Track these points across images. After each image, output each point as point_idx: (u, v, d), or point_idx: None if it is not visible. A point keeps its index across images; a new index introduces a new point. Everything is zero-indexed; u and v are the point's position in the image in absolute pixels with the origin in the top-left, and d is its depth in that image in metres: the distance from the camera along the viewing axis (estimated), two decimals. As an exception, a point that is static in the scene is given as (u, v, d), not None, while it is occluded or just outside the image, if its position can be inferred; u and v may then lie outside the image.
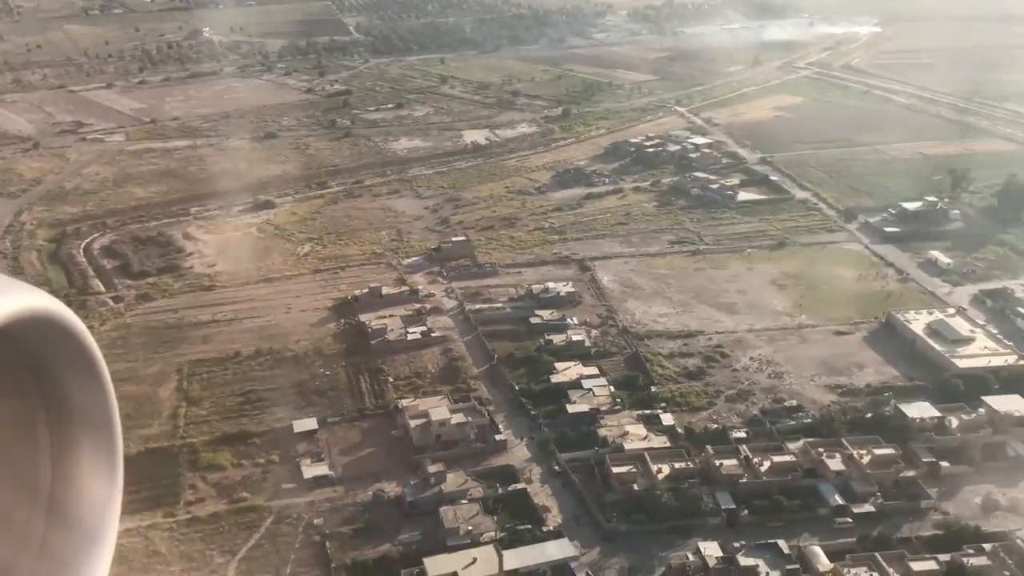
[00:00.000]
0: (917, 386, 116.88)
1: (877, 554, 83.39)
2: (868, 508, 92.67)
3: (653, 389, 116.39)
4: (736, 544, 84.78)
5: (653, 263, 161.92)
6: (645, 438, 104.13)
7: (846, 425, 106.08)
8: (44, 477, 6.21)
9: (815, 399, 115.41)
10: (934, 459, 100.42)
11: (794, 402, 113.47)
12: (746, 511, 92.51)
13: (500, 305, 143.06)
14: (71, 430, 6.22)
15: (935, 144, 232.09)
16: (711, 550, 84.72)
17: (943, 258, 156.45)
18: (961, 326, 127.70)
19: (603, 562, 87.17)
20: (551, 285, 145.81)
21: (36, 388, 6.06)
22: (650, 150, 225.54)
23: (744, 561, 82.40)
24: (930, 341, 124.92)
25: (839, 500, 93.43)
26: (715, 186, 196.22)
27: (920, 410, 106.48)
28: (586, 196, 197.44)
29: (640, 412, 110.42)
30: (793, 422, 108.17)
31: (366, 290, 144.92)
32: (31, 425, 6.16)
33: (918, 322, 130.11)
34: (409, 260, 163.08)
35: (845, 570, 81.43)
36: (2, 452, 6.09)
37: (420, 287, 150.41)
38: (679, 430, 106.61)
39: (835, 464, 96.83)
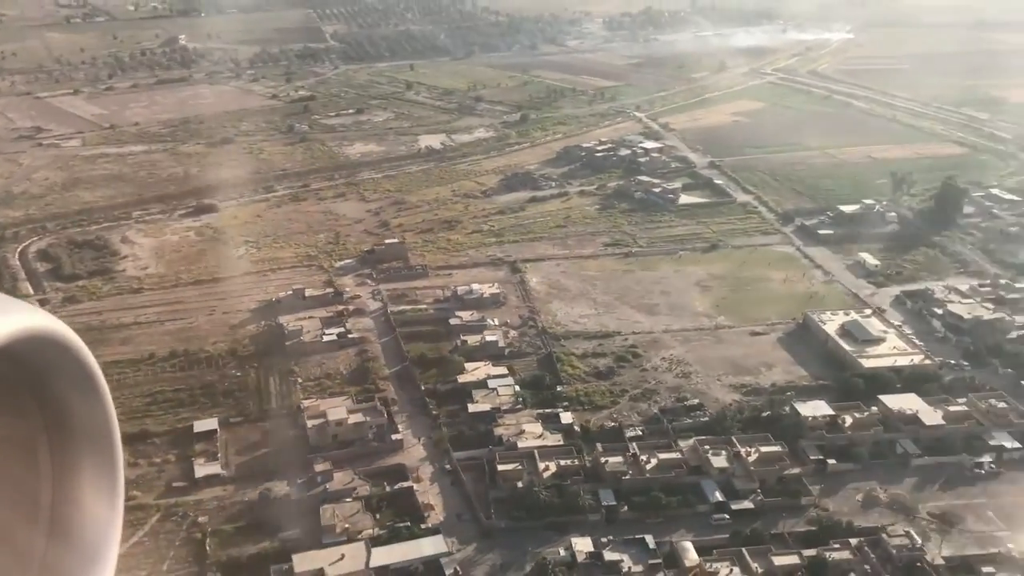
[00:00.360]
0: (821, 385, 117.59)
1: (744, 549, 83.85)
2: (747, 505, 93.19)
3: (559, 389, 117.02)
4: (604, 539, 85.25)
5: (584, 265, 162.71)
6: (540, 436, 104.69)
7: (740, 424, 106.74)
8: (45, 496, 6.18)
9: (718, 398, 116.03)
10: (822, 457, 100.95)
11: (696, 401, 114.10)
12: (626, 507, 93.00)
13: (424, 307, 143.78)
14: (72, 449, 6.19)
15: (885, 148, 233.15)
16: (582, 545, 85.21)
17: (871, 260, 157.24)
18: (873, 327, 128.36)
19: (477, 558, 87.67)
20: (475, 287, 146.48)
21: (37, 407, 6.05)
22: (600, 155, 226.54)
23: (610, 556, 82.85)
24: (840, 341, 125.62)
25: (719, 497, 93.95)
26: (657, 190, 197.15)
27: (814, 409, 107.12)
28: (530, 200, 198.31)
29: (541, 411, 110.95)
30: (690, 420, 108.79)
31: (289, 292, 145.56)
32: (32, 444, 6.12)
33: (832, 323, 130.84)
34: (342, 263, 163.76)
35: (709, 565, 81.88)
36: (3, 471, 6.06)
37: (347, 289, 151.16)
38: (576, 428, 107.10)
39: (719, 461, 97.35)
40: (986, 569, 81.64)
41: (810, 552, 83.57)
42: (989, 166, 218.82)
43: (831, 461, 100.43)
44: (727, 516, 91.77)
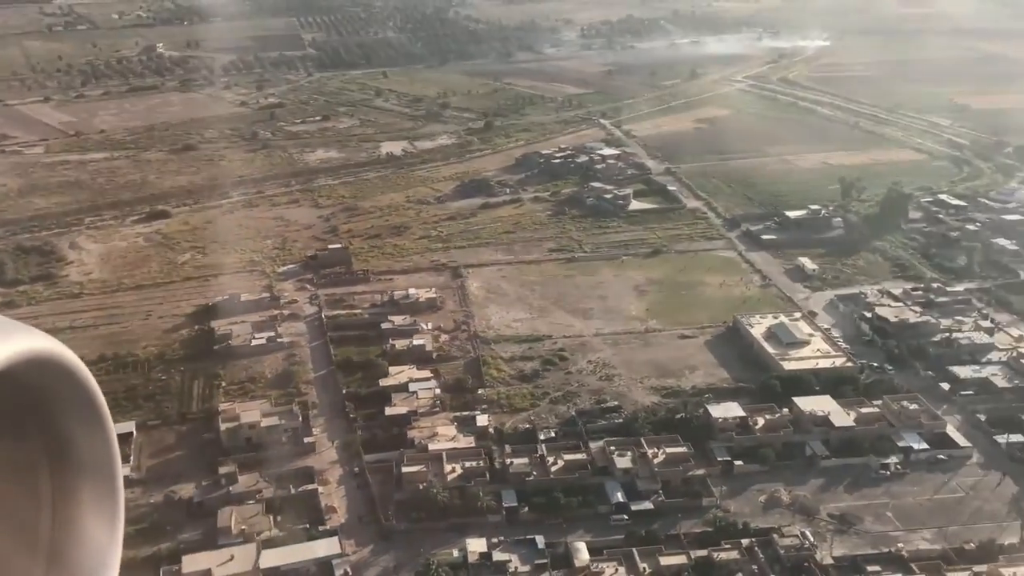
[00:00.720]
0: (741, 388, 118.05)
1: (634, 549, 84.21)
2: (647, 505, 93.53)
3: (480, 392, 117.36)
4: (494, 540, 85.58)
5: (526, 270, 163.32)
6: (453, 439, 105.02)
7: (652, 425, 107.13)
8: (44, 522, 6.09)
9: (637, 400, 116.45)
10: (729, 458, 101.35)
11: (615, 403, 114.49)
12: (527, 508, 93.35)
13: (359, 311, 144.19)
14: (72, 475, 6.11)
15: (843, 154, 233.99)
16: (475, 547, 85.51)
17: (809, 264, 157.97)
18: (799, 330, 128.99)
19: (372, 560, 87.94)
20: (412, 291, 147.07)
21: (37, 432, 5.96)
22: (557, 161, 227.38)
23: (499, 557, 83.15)
24: (765, 344, 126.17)
25: (620, 498, 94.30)
26: (608, 196, 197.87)
27: (725, 410, 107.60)
28: (483, 205, 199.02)
29: (458, 414, 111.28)
30: (604, 422, 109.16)
31: (225, 296, 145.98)
32: (32, 470, 6.04)
33: (760, 326, 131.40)
34: (284, 268, 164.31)
35: (594, 565, 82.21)
36: (2, 497, 5.97)
37: (285, 294, 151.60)
38: (491, 431, 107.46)
39: (623, 462, 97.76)
40: (871, 568, 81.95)
41: (700, 553, 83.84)
42: (943, 172, 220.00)
43: (738, 462, 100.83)
44: (626, 517, 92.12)
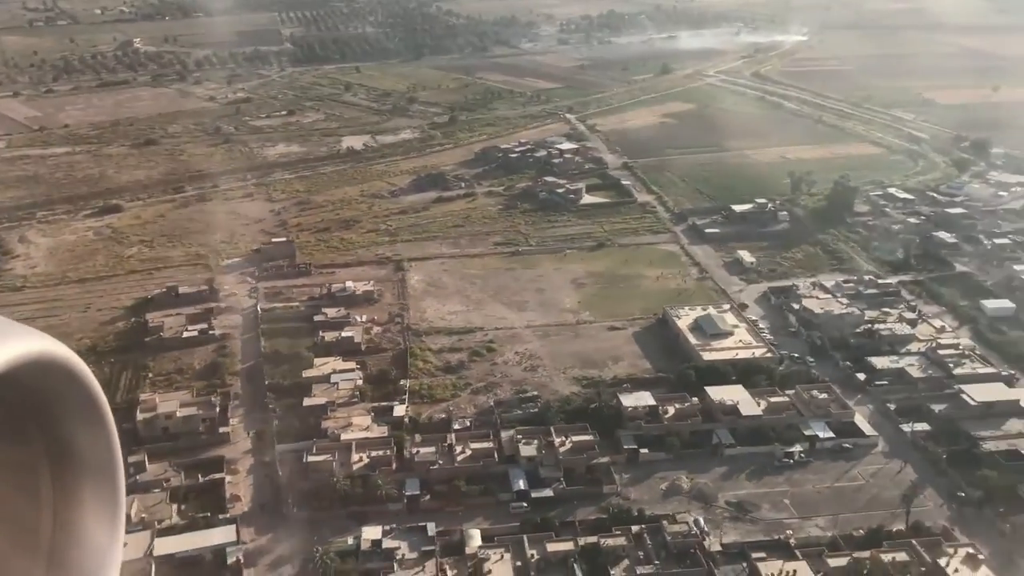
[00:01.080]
0: (660, 378, 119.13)
1: (525, 536, 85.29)
2: (547, 493, 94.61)
3: (402, 383, 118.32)
4: (386, 528, 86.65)
5: (469, 263, 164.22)
6: (366, 428, 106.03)
7: (564, 415, 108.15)
8: (45, 524, 6.08)
9: (557, 390, 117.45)
10: (636, 446, 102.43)
11: (534, 393, 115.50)
12: (428, 496, 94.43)
13: (296, 304, 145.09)
14: (74, 476, 6.10)
15: (802, 148, 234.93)
16: (369, 534, 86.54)
17: (747, 257, 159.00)
18: (724, 322, 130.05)
19: (268, 547, 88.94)
20: (349, 284, 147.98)
21: (38, 433, 5.93)
22: (515, 156, 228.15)
23: (389, 544, 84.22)
24: (689, 335, 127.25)
25: (522, 485, 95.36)
26: (561, 190, 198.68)
27: (637, 399, 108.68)
28: (436, 200, 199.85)
29: (375, 405, 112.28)
30: (520, 412, 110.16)
31: (163, 289, 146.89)
32: (33, 471, 6.04)
33: (687, 318, 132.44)
34: (229, 261, 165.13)
35: (482, 551, 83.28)
36: (2, 498, 5.96)
37: (226, 287, 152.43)
38: (406, 421, 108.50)
39: (528, 451, 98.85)
40: (756, 555, 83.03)
41: (588, 539, 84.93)
42: (898, 166, 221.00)
43: (644, 450, 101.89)
44: (525, 504, 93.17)
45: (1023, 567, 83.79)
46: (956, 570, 79.87)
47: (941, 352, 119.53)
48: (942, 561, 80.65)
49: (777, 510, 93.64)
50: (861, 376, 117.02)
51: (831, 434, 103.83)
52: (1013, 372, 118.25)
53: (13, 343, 5.22)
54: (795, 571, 79.65)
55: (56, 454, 6.05)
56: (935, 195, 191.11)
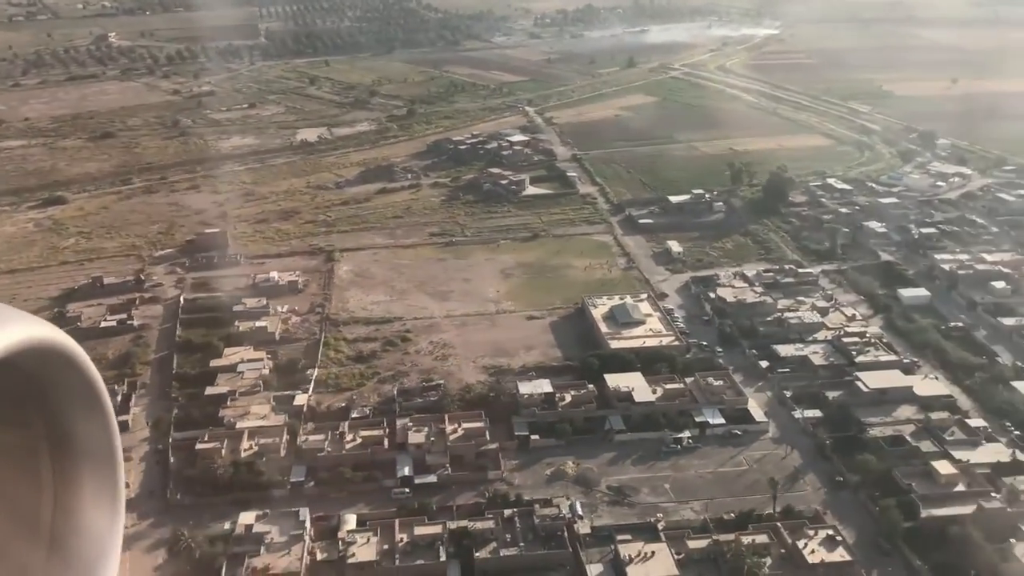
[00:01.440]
0: (567, 366, 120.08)
1: (396, 520, 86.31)
2: (431, 479, 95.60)
3: (309, 372, 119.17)
4: (259, 512, 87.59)
5: (402, 254, 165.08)
6: (263, 417, 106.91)
7: (463, 403, 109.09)
8: (45, 510, 6.10)
9: (463, 379, 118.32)
10: (528, 433, 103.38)
11: (440, 381, 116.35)
12: (312, 483, 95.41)
13: (220, 294, 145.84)
14: (73, 462, 6.11)
15: (751, 140, 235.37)
16: (246, 519, 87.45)
17: (676, 248, 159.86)
18: (637, 311, 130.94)
19: (148, 532, 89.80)
20: (273, 275, 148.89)
21: (39, 419, 5.95)
22: (466, 148, 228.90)
23: (260, 528, 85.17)
24: (601, 324, 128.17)
25: (407, 472, 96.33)
26: (504, 182, 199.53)
27: (534, 387, 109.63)
28: (380, 191, 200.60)
29: (278, 394, 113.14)
30: (420, 400, 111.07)
31: (88, 280, 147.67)
32: (33, 457, 6.04)
33: (603, 307, 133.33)
34: (162, 252, 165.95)
35: (349, 534, 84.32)
36: (3, 484, 5.98)
37: (155, 277, 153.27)
38: (305, 409, 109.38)
39: (417, 438, 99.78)
40: (621, 537, 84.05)
41: (459, 523, 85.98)
42: (845, 157, 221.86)
43: (535, 437, 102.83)
44: (407, 490, 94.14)
45: (883, 548, 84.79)
46: (813, 551, 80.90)
47: (846, 340, 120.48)
48: (801, 543, 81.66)
49: (656, 494, 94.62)
50: (764, 364, 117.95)
51: (722, 420, 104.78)
52: (916, 360, 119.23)
53: (13, 329, 5.30)
54: (653, 552, 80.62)
55: (56, 440, 6.10)
56: (874, 185, 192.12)
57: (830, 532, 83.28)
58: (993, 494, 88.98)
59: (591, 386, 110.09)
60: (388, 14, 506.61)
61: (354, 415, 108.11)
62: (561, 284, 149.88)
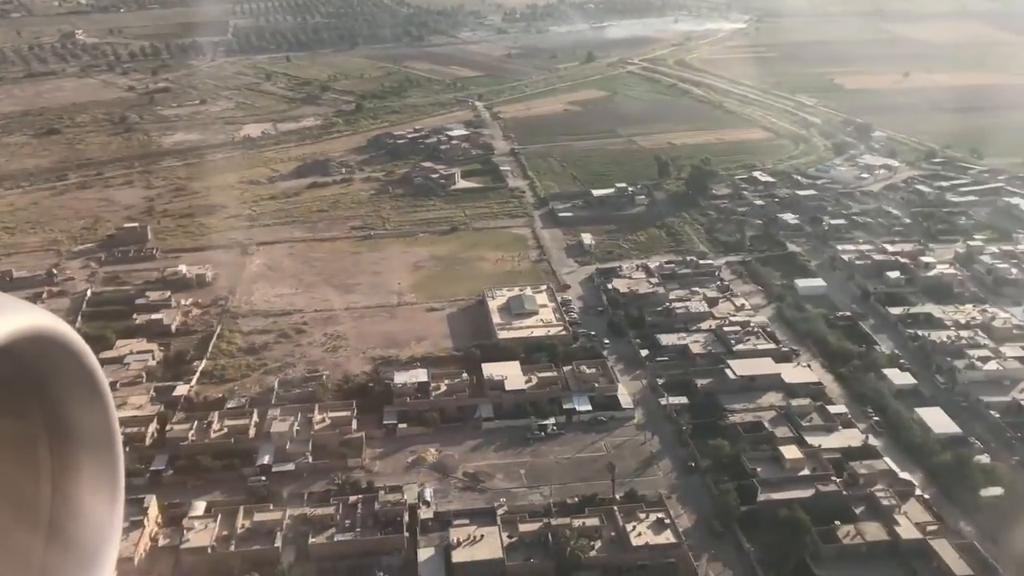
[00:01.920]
0: (452, 356, 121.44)
1: (241, 507, 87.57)
2: (289, 467, 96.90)
3: (196, 363, 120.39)
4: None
5: (318, 247, 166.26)
6: (139, 407, 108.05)
7: (341, 392, 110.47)
8: (44, 498, 6.11)
9: (348, 370, 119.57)
10: (396, 421, 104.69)
11: (324, 372, 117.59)
12: (171, 471, 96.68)
13: (128, 288, 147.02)
14: (72, 450, 6.11)
15: (691, 134, 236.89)
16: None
17: (588, 240, 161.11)
18: (534, 302, 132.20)
19: None
20: (182, 268, 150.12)
21: (37, 407, 5.96)
22: (404, 142, 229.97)
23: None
24: (495, 315, 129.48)
25: (267, 460, 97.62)
26: (435, 175, 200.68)
27: (409, 376, 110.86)
28: (311, 185, 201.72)
29: (159, 384, 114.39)
30: (299, 391, 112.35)
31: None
32: (32, 445, 6.04)
33: (501, 299, 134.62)
34: (81, 247, 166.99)
35: (188, 520, 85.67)
36: (2, 472, 5.99)
37: (67, 271, 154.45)
38: (183, 400, 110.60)
39: (280, 427, 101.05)
40: (459, 522, 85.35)
41: (299, 510, 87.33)
42: (779, 150, 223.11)
43: (402, 425, 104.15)
44: (264, 478, 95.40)
45: (716, 530, 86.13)
46: (640, 534, 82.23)
47: (727, 329, 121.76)
48: (631, 526, 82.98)
49: (510, 480, 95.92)
50: (645, 352, 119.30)
51: (588, 407, 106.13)
52: (796, 348, 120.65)
53: (10, 317, 5.31)
54: (482, 536, 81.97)
55: (55, 428, 6.08)
56: (799, 178, 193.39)
57: (660, 515, 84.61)
58: (833, 478, 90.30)
59: (465, 375, 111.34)
60: (358, 10, 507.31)
61: (229, 405, 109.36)
62: (469, 276, 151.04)
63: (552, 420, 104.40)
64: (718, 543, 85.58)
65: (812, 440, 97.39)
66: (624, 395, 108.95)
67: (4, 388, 5.82)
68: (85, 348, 5.94)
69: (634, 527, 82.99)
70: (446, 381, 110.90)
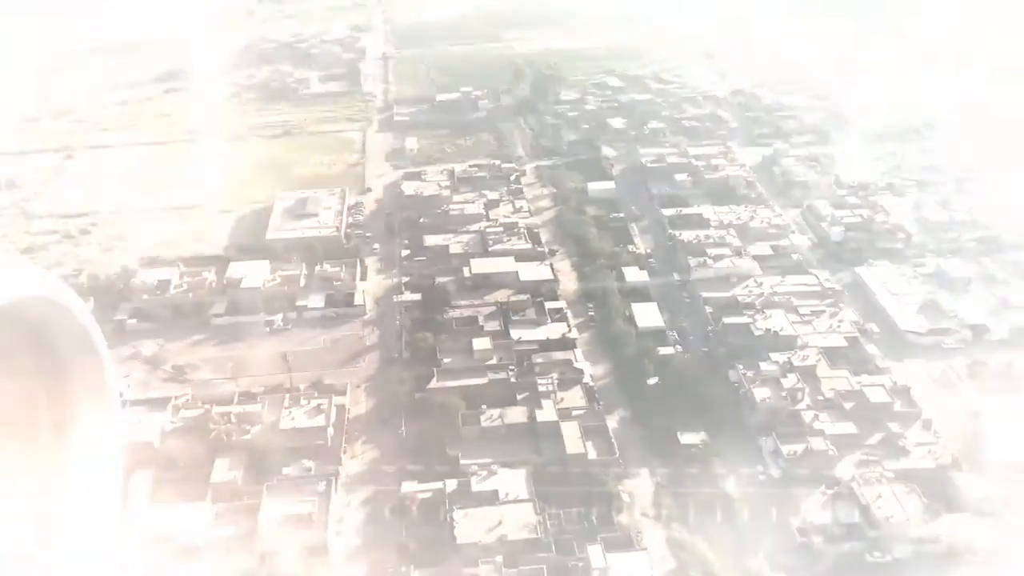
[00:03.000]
0: (217, 256, 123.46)
1: None
2: None
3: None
4: None
5: (146, 152, 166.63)
6: None
7: (84, 290, 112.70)
8: (47, 448, 6.67)
9: (111, 270, 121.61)
10: (127, 316, 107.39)
11: (82, 272, 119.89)
12: None
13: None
14: (72, 406, 6.29)
15: (574, 38, 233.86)
16: None
17: (411, 144, 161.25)
18: (317, 204, 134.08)
19: None
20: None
21: (37, 365, 6.23)
22: (277, 46, 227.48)
23: None
24: (275, 218, 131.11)
25: None
26: (290, 79, 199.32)
27: (151, 275, 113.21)
28: (167, 91, 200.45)
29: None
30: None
31: None
32: (33, 401, 6.13)
33: (289, 201, 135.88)
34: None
35: None
36: (4, 428, 6.36)
37: None
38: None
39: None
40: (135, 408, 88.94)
41: None
42: (645, 55, 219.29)
43: (132, 321, 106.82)
44: None
45: (383, 417, 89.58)
46: (294, 418, 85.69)
47: (490, 231, 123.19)
48: (288, 412, 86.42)
49: (215, 372, 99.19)
50: (407, 252, 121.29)
51: (321, 304, 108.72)
52: (556, 249, 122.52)
53: (12, 277, 5.47)
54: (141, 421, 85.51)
55: (55, 385, 6.32)
56: (650, 82, 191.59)
57: (322, 403, 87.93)
58: (512, 368, 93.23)
59: (207, 274, 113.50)
60: None
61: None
62: (278, 180, 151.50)
63: (279, 316, 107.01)
64: (383, 428, 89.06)
65: (516, 333, 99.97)
66: (360, 294, 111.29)
67: (6, 346, 5.91)
68: (84, 308, 6.49)
69: (290, 412, 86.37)
70: (187, 280, 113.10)
